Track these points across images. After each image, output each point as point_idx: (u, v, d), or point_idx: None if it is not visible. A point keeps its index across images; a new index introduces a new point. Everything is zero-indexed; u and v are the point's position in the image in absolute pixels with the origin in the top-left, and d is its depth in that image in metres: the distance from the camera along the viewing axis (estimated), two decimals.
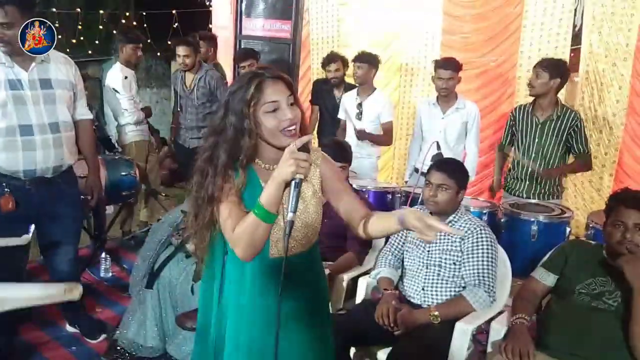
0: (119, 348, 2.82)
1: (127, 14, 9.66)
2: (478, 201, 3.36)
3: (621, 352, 1.99)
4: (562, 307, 2.19)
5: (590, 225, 2.89)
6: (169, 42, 8.37)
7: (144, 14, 9.32)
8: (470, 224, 2.45)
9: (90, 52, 9.50)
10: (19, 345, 2.86)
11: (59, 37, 8.93)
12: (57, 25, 8.94)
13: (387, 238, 2.69)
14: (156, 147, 5.04)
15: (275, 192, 1.40)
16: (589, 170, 3.57)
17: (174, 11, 8.88)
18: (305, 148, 1.39)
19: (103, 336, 3.00)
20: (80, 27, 9.24)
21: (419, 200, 2.80)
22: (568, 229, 2.88)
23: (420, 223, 1.30)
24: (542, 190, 3.42)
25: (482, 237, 2.39)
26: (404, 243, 2.59)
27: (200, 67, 4.36)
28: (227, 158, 1.48)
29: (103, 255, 3.77)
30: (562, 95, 4.02)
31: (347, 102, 4.19)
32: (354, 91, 4.19)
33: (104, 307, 3.36)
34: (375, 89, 4.16)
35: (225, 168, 1.48)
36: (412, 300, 2.46)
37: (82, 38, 9.30)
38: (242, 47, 4.83)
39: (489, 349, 2.24)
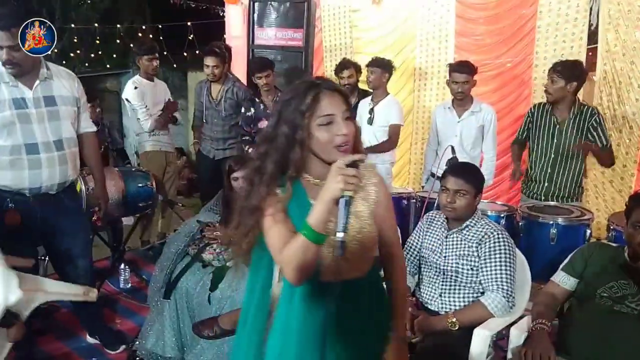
0: (138, 359, 2.84)
1: (144, 27, 9.80)
2: (496, 205, 3.31)
3: None
4: (584, 311, 2.15)
5: (612, 227, 2.83)
6: (185, 54, 8.49)
7: (160, 26, 9.46)
8: (487, 229, 2.42)
9: (108, 66, 9.66)
10: (38, 357, 2.89)
11: (78, 52, 9.09)
12: (75, 40, 9.07)
13: (403, 244, 2.67)
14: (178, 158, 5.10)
15: (323, 211, 1.30)
16: (611, 164, 3.46)
17: (189, 23, 8.99)
18: (354, 164, 1.30)
19: (123, 347, 3.02)
20: (98, 41, 9.40)
21: (435, 205, 2.77)
22: (588, 232, 2.83)
23: None
24: (562, 192, 3.36)
25: (499, 242, 2.36)
26: (420, 249, 2.57)
27: (227, 78, 4.38)
28: (275, 168, 1.42)
29: (122, 266, 3.81)
30: (579, 95, 3.96)
31: (362, 107, 4.19)
32: (370, 97, 4.20)
33: (124, 318, 3.39)
34: (388, 94, 4.16)
35: (271, 179, 1.42)
36: (429, 306, 2.43)
37: (100, 52, 9.46)
38: (255, 56, 4.86)
39: (509, 356, 2.19)
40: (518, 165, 3.56)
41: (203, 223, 2.99)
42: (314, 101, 1.39)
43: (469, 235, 2.43)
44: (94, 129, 2.93)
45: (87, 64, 9.42)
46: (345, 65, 4.46)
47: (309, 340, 1.47)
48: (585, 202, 3.90)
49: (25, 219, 2.56)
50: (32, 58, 2.45)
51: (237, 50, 5.79)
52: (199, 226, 3.01)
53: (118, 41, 9.55)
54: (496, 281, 2.30)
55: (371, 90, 4.20)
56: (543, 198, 3.38)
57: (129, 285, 3.80)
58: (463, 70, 3.61)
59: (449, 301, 2.39)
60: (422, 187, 4.07)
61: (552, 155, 3.34)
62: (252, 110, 4.22)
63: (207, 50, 4.32)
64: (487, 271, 2.33)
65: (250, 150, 4.24)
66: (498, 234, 2.38)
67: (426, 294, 2.46)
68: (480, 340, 2.16)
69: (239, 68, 5.73)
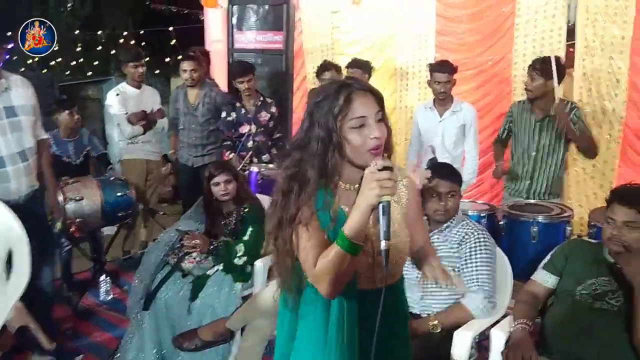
0: None
1: (125, 33, 9.71)
2: (477, 204, 3.30)
3: (626, 353, 1.93)
4: (565, 309, 2.14)
5: (592, 224, 2.83)
6: (167, 60, 8.43)
7: (142, 32, 9.38)
8: (468, 229, 2.41)
9: (89, 73, 9.55)
10: None
11: (59, 59, 8.96)
12: (56, 48, 8.98)
13: None
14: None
15: (360, 220, 1.24)
16: (594, 154, 3.41)
17: (170, 28, 8.93)
18: (387, 167, 1.24)
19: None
20: (79, 48, 9.29)
21: None
22: (569, 229, 2.82)
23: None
24: (542, 189, 3.36)
25: (479, 242, 2.35)
26: None
27: (204, 83, 4.33)
28: (317, 175, 1.35)
29: (103, 277, 3.74)
30: (560, 91, 3.96)
31: None
32: None
33: (104, 331, 3.33)
34: None
35: (314, 186, 1.35)
36: (411, 310, 2.40)
37: (81, 60, 9.35)
38: (235, 60, 4.83)
39: (491, 357, 2.17)
40: (500, 164, 3.56)
41: (182, 231, 2.95)
42: (346, 102, 1.33)
43: (449, 235, 2.42)
44: (46, 136, 2.92)
45: (68, 72, 9.32)
46: (326, 67, 4.42)
47: (349, 349, 1.41)
48: (567, 199, 3.90)
49: None
50: None
51: (218, 54, 5.75)
52: (178, 235, 2.97)
53: (100, 48, 9.46)
54: (477, 282, 2.29)
55: None
56: (525, 196, 3.37)
57: (111, 296, 3.73)
58: (444, 70, 3.60)
59: (431, 303, 2.37)
60: None
61: (534, 153, 3.34)
62: (233, 114, 4.19)
63: (183, 55, 4.28)
64: (467, 272, 2.32)
65: (231, 155, 4.20)
66: (478, 234, 2.38)
67: (408, 297, 2.42)
68: (462, 342, 2.14)
69: (219, 72, 5.69)
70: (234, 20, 4.92)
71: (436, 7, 4.76)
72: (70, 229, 3.37)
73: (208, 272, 2.86)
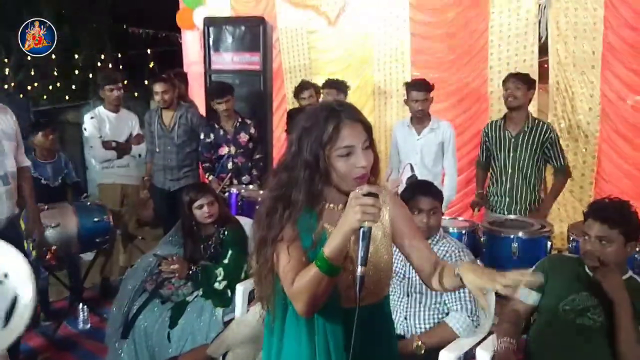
0: None
1: (102, 56, 9.65)
2: (457, 221, 3.30)
3: None
4: (548, 325, 2.14)
5: (572, 238, 2.84)
6: (146, 82, 8.40)
7: (119, 55, 9.35)
8: (449, 247, 2.41)
9: (67, 97, 9.45)
10: None
11: (35, 84, 8.85)
12: (32, 73, 8.87)
13: None
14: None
15: (340, 242, 1.25)
16: (569, 178, 3.54)
17: (148, 51, 8.91)
18: (372, 193, 1.25)
19: None
20: (56, 73, 9.20)
21: None
22: (549, 244, 2.83)
23: (475, 287, 1.29)
24: (523, 206, 3.38)
25: (460, 260, 2.34)
26: None
27: (179, 105, 4.29)
28: (303, 199, 1.37)
29: (81, 306, 3.65)
30: (534, 107, 4.02)
31: None
32: None
33: None
34: None
35: (299, 209, 1.37)
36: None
37: (58, 84, 9.26)
38: (213, 81, 4.81)
39: None
40: (480, 194, 3.58)
41: (160, 256, 2.89)
42: (334, 131, 1.34)
43: None
44: (29, 163, 2.93)
45: (45, 97, 9.21)
46: (304, 86, 4.44)
47: None
48: (549, 214, 3.93)
49: None
50: None
51: (195, 76, 5.74)
52: (156, 260, 2.91)
53: (77, 72, 9.38)
54: (460, 300, 2.28)
55: None
56: (506, 212, 3.39)
57: (89, 325, 3.64)
58: (421, 88, 3.62)
59: (415, 324, 2.35)
60: None
61: (510, 170, 3.37)
62: (212, 136, 4.15)
63: (154, 78, 4.26)
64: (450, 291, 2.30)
65: (210, 177, 4.16)
66: (459, 252, 2.37)
67: None
68: None
69: (197, 94, 5.68)
70: (210, 42, 4.91)
71: (410, 26, 4.82)
72: (47, 256, 3.30)
73: (187, 298, 2.80)
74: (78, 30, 9.71)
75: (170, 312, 2.74)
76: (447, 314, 2.31)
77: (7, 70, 8.58)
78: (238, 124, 4.18)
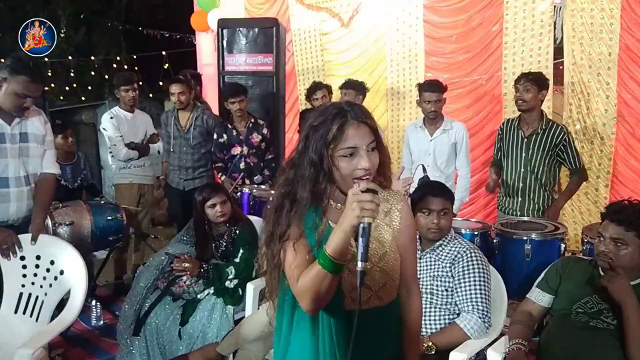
0: None
1: (119, 58, 9.76)
2: (470, 222, 3.28)
3: None
4: (560, 327, 2.11)
5: (585, 240, 2.80)
6: (161, 83, 8.47)
7: (135, 57, 9.43)
8: (460, 248, 2.38)
9: (83, 98, 9.57)
10: None
11: (52, 85, 8.98)
12: (49, 74, 8.99)
13: None
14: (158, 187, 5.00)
15: (342, 239, 1.24)
16: (585, 181, 3.50)
17: (163, 52, 8.98)
18: (370, 189, 1.25)
19: None
20: (72, 74, 9.32)
21: None
22: (563, 246, 2.79)
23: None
24: (536, 206, 3.35)
25: (472, 261, 2.32)
26: None
27: (195, 106, 4.33)
28: (308, 196, 1.38)
29: (93, 303, 3.68)
30: (548, 108, 3.99)
31: None
32: None
33: (95, 358, 3.26)
34: None
35: (305, 206, 1.39)
36: None
37: (74, 85, 9.38)
38: (227, 82, 4.84)
39: None
40: (495, 180, 3.54)
41: (172, 255, 2.91)
42: (339, 131, 1.35)
43: (442, 255, 2.39)
44: (55, 172, 2.87)
45: (62, 97, 9.34)
46: (316, 87, 4.45)
47: None
48: (562, 215, 3.89)
49: None
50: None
51: (209, 77, 5.78)
52: (168, 258, 2.93)
53: (93, 73, 9.49)
54: (471, 301, 2.26)
55: None
56: (519, 213, 3.36)
57: (102, 322, 3.67)
58: (434, 89, 3.61)
59: (425, 324, 2.33)
60: None
61: (522, 170, 3.34)
62: (225, 136, 4.18)
63: (171, 78, 4.30)
64: (461, 291, 2.28)
65: (223, 178, 4.19)
66: (471, 253, 2.35)
67: None
68: None
69: (210, 95, 5.71)
70: (224, 44, 4.94)
71: (424, 27, 4.81)
72: None
73: (199, 296, 2.82)
74: (94, 32, 9.84)
75: (182, 310, 2.76)
76: (458, 314, 2.28)
77: None
78: (251, 124, 4.20)
